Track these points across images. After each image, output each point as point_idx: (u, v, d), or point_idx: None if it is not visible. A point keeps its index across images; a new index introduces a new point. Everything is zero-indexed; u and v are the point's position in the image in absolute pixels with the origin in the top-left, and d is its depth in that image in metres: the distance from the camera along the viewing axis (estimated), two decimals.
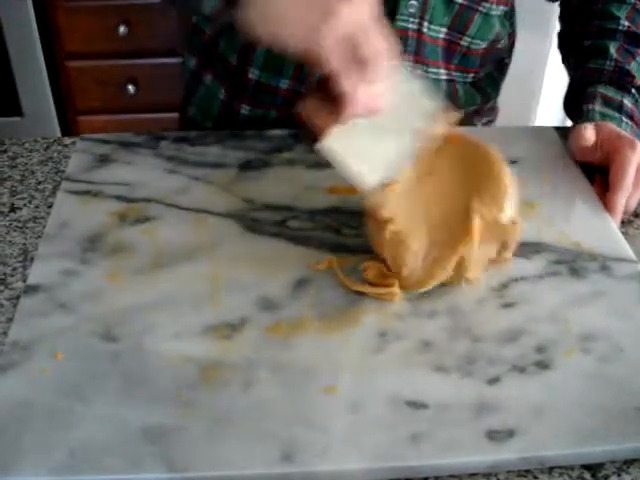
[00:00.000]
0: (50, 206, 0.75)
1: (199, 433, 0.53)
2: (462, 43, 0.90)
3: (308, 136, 0.58)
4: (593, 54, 0.89)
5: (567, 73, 0.96)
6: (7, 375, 0.57)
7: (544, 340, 0.61)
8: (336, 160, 0.61)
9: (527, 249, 0.70)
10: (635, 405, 0.56)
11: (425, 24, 0.85)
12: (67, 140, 0.86)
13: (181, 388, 0.56)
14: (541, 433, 0.54)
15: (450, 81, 0.92)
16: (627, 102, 0.84)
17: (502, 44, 0.95)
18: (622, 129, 0.80)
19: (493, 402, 0.56)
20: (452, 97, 0.93)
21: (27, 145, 0.86)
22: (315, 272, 0.67)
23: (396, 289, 0.64)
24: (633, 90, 0.86)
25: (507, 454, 0.53)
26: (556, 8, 1.39)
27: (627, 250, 0.70)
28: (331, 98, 0.56)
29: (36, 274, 0.66)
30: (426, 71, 0.88)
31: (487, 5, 0.86)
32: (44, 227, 0.71)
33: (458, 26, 0.87)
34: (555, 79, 1.69)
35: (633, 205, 0.77)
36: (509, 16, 0.93)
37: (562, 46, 0.99)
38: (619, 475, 0.53)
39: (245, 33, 0.56)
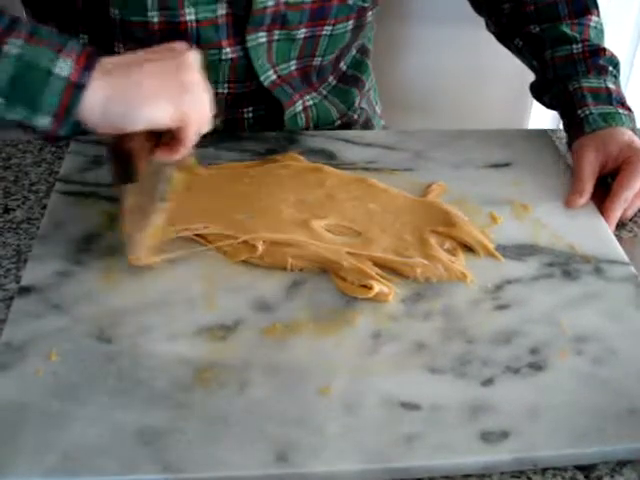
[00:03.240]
0: (44, 207, 0.74)
1: (194, 434, 0.53)
2: (314, 63, 0.92)
3: (121, 171, 0.62)
4: (552, 42, 0.88)
5: (521, 58, 0.94)
6: (0, 376, 0.56)
7: (538, 342, 0.61)
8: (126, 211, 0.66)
9: (521, 251, 0.71)
10: (628, 406, 0.56)
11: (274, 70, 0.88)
12: (61, 142, 0.86)
13: (176, 389, 0.56)
14: (535, 434, 0.54)
15: (319, 95, 0.95)
16: (611, 85, 0.84)
17: (361, 39, 0.97)
18: (625, 125, 0.80)
19: (487, 403, 0.56)
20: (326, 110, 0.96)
21: (21, 146, 0.86)
22: (309, 274, 0.67)
23: (388, 289, 0.64)
24: (610, 67, 0.86)
25: (501, 455, 0.53)
26: None
27: (620, 252, 0.71)
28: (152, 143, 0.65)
29: (30, 275, 0.65)
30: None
31: (329, 28, 0.87)
32: (38, 228, 0.71)
33: (306, 53, 0.89)
34: None
35: (630, 215, 0.78)
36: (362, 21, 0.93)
37: (499, 32, 0.96)
38: (612, 476, 0.53)
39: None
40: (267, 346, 0.60)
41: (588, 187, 0.78)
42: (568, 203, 0.77)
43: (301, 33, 0.85)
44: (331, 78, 0.97)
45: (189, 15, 0.78)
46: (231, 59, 0.84)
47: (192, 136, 0.64)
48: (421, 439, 0.53)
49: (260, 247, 0.67)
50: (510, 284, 0.67)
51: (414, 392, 0.57)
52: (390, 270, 0.67)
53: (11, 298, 0.64)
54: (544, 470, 0.54)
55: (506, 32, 0.95)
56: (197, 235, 0.70)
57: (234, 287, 0.65)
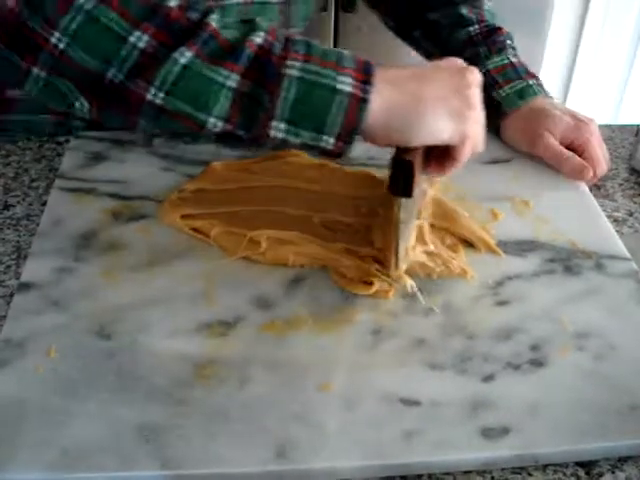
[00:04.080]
0: (44, 204, 0.74)
1: (194, 431, 0.53)
2: None
3: (400, 184, 0.61)
4: (451, 25, 0.89)
5: (420, 49, 0.95)
6: (0, 373, 0.56)
7: (539, 338, 0.61)
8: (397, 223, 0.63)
9: (522, 247, 0.70)
10: (629, 402, 0.56)
11: None
12: (61, 138, 0.86)
13: (176, 386, 0.56)
14: (535, 430, 0.54)
15: None
16: (513, 59, 0.86)
17: None
18: (540, 95, 0.83)
19: (487, 399, 0.56)
20: None
21: (21, 143, 0.85)
22: (309, 270, 0.67)
23: (388, 286, 0.64)
24: (508, 41, 0.87)
25: (501, 451, 0.53)
26: (549, 8, 1.39)
27: (621, 248, 0.71)
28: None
29: (29, 272, 0.65)
30: None
31: None
32: (38, 225, 0.71)
33: None
34: (549, 79, 1.70)
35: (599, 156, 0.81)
36: None
37: (398, 25, 0.97)
38: (613, 472, 0.53)
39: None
40: (267, 342, 0.60)
41: (579, 159, 0.80)
42: (586, 179, 0.79)
43: None
44: None
45: None
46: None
47: (468, 155, 0.62)
48: (421, 435, 0.53)
49: (264, 244, 0.67)
50: (511, 280, 0.67)
51: (414, 388, 0.56)
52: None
53: (11, 295, 0.64)
54: (545, 466, 0.53)
55: (405, 24, 0.95)
56: (197, 231, 0.70)
57: (234, 284, 0.65)
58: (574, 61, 1.72)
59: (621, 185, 0.83)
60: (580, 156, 0.80)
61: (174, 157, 0.80)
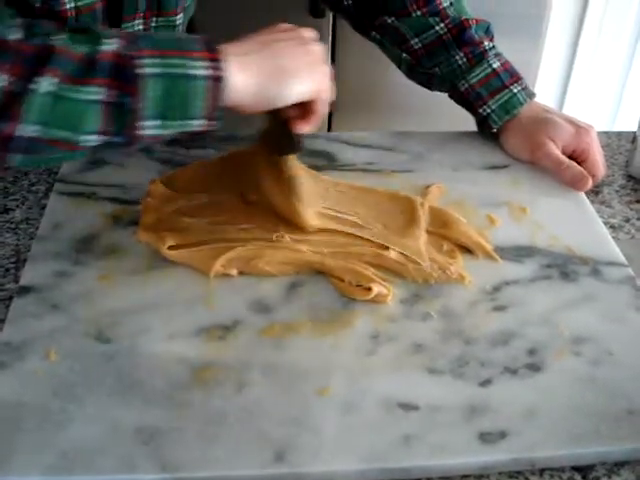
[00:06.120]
0: (43, 208, 0.75)
1: (192, 434, 0.53)
2: None
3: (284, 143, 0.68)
4: (414, 30, 0.87)
5: (384, 50, 0.93)
6: (0, 375, 0.57)
7: (535, 343, 0.61)
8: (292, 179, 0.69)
9: (519, 253, 0.71)
10: (625, 407, 0.56)
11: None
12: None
13: (174, 389, 0.56)
14: (532, 435, 0.54)
15: None
16: (495, 64, 0.85)
17: None
18: (522, 105, 0.84)
19: (485, 404, 0.56)
20: None
21: None
22: (308, 275, 0.67)
23: (387, 291, 0.65)
24: (484, 41, 0.85)
25: (498, 455, 0.53)
26: (547, 14, 1.40)
27: (618, 254, 0.71)
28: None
29: (29, 275, 0.66)
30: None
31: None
32: (37, 228, 0.71)
33: None
34: (546, 85, 1.70)
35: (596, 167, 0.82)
36: None
37: (352, 23, 0.95)
38: (609, 477, 0.54)
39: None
40: (266, 346, 0.60)
41: (579, 168, 0.80)
42: (585, 189, 0.80)
43: (179, 19, 0.80)
44: None
45: (69, 3, 0.69)
46: None
47: (326, 105, 0.66)
48: (419, 439, 0.53)
49: (235, 273, 0.67)
50: (508, 285, 0.67)
51: (412, 393, 0.57)
52: (385, 270, 0.67)
53: (10, 298, 0.64)
54: (542, 470, 0.54)
55: (359, 23, 0.93)
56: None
57: (233, 288, 0.65)
58: (571, 67, 1.73)
59: (618, 191, 0.84)
60: (581, 163, 0.81)
61: (174, 162, 0.81)
